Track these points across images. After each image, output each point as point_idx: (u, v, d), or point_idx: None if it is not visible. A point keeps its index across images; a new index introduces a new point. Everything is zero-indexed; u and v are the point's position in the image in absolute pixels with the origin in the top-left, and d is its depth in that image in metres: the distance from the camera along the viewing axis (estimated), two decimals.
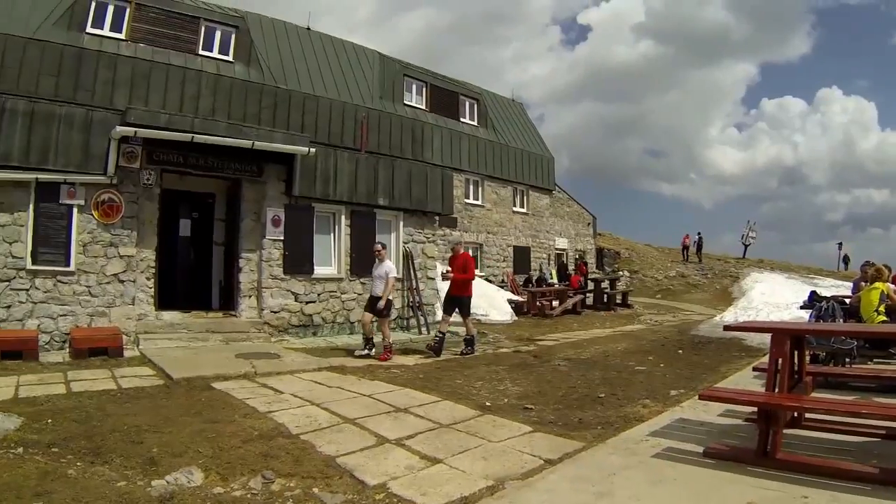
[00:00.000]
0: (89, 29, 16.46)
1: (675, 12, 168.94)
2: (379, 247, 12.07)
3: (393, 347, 11.69)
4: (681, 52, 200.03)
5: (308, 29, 23.26)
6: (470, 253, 14.10)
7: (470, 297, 12.58)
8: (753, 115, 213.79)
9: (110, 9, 17.02)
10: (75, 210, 11.42)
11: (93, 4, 16.72)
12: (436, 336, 12.21)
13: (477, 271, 25.32)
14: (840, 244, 43.60)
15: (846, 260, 42.74)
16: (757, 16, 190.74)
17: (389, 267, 11.84)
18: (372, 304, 11.72)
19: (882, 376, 7.81)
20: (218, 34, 19.00)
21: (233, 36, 19.30)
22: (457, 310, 12.34)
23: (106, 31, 16.76)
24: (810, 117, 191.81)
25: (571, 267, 30.59)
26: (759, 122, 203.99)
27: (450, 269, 12.48)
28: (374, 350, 11.47)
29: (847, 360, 9.09)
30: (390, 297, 11.72)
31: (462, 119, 27.23)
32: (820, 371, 7.62)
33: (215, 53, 18.75)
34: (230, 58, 19.00)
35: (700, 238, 43.16)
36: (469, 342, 12.39)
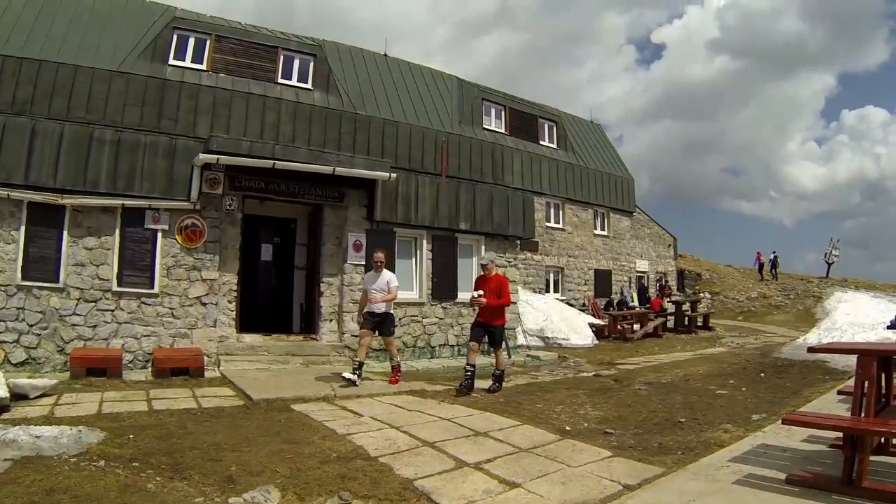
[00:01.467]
0: (171, 61, 16.95)
1: (749, 25, 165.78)
2: (381, 255, 10.91)
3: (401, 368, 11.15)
4: (757, 66, 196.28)
5: (385, 55, 23.48)
6: (504, 274, 13.58)
7: (504, 325, 11.11)
8: (833, 128, 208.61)
9: (191, 41, 17.49)
10: (159, 234, 11.66)
11: (174, 37, 17.22)
12: (466, 370, 10.35)
13: (557, 295, 25.16)
14: None
15: None
16: (833, 24, 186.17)
17: (391, 277, 10.89)
18: (374, 323, 10.65)
19: None
20: (296, 62, 19.30)
21: (311, 64, 19.57)
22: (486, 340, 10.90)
23: (187, 63, 17.23)
24: (892, 127, 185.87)
25: (652, 290, 30.08)
26: (840, 134, 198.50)
27: (480, 292, 10.55)
28: (361, 378, 10.27)
29: None
30: (391, 311, 10.96)
31: (541, 142, 27.05)
32: None
33: (294, 81, 19.03)
34: (309, 85, 19.26)
35: (775, 257, 42.57)
36: (499, 378, 10.57)
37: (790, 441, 6.47)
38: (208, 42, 17.73)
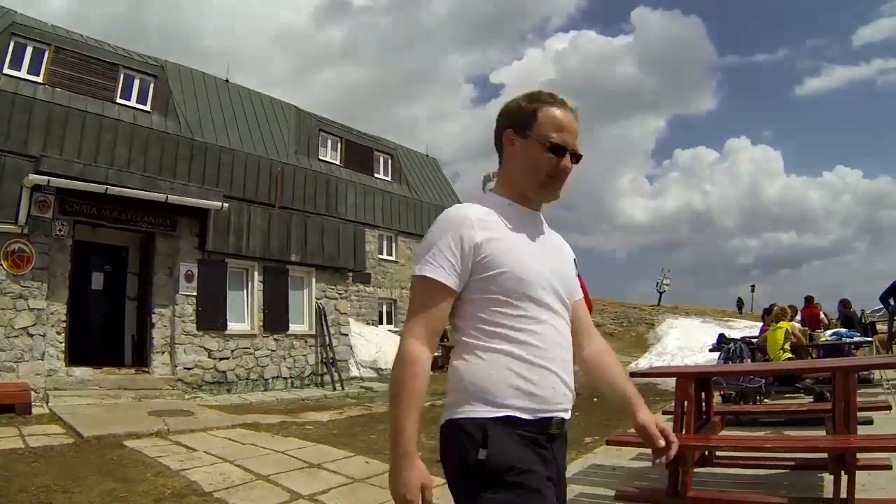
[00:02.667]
0: (6, 69, 16.13)
1: (586, 69, 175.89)
2: None
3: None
4: (592, 108, 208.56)
5: (226, 81, 23.31)
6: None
7: None
8: (665, 166, 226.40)
9: (29, 50, 16.74)
10: None
11: (11, 44, 16.44)
12: None
13: (391, 326, 25.45)
14: (753, 286, 44.95)
15: (740, 304, 44.13)
16: (667, 73, 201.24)
17: None
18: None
19: (788, 410, 8.10)
20: (136, 82, 18.88)
21: (151, 85, 19.21)
22: None
23: (23, 73, 16.44)
24: (719, 166, 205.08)
25: None
26: (672, 171, 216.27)
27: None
28: None
29: (757, 397, 9.66)
30: None
31: (376, 174, 27.49)
32: (731, 410, 8.06)
33: (133, 102, 18.59)
34: (148, 107, 18.88)
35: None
36: None
37: (620, 460, 6.88)
38: (47, 53, 17.00)
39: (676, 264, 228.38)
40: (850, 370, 5.24)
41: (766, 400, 10.00)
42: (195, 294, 13.69)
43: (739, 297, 44.64)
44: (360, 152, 27.01)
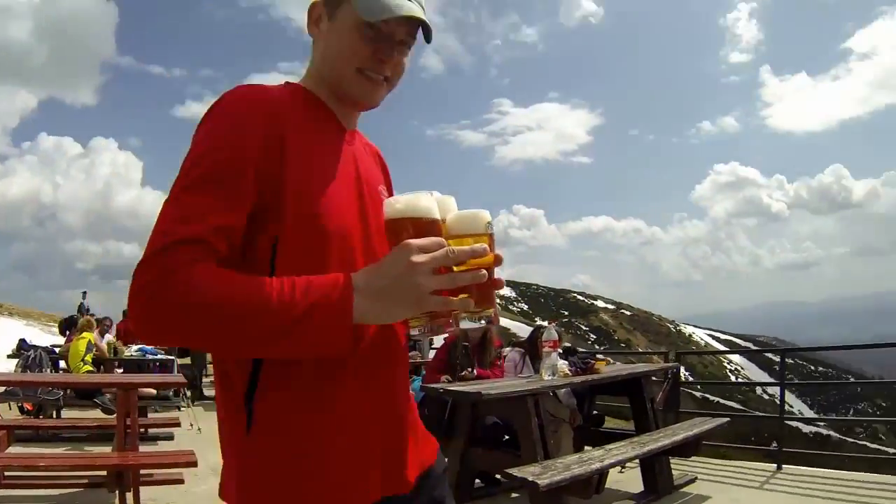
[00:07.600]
0: None
1: None
2: None
3: None
4: None
5: None
6: None
7: None
8: (25, 148, 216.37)
9: None
10: None
11: None
12: None
13: None
14: (84, 293, 41.70)
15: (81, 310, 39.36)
16: (58, 52, 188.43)
17: None
18: None
19: (85, 426, 7.68)
20: None
21: None
22: None
23: None
24: (80, 162, 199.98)
25: None
26: (30, 154, 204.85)
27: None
28: None
29: (57, 410, 9.19)
30: None
31: None
32: (23, 424, 7.92)
33: None
34: None
35: None
36: None
37: None
38: None
39: (11, 258, 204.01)
40: (130, 386, 5.39)
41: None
42: None
43: (82, 303, 41.13)
44: None
